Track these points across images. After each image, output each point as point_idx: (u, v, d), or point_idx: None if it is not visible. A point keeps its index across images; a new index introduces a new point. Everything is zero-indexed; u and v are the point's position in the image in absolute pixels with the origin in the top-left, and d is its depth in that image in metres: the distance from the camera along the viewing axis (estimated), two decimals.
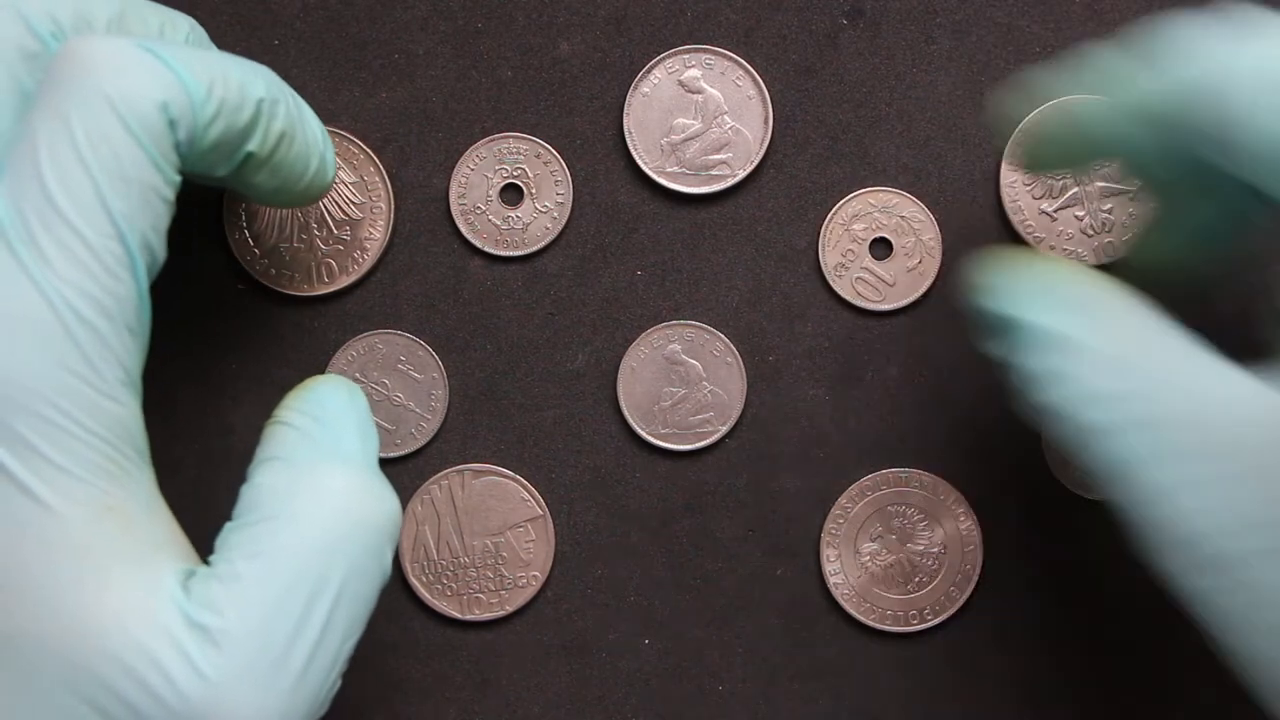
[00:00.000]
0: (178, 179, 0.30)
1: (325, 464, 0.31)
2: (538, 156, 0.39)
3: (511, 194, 0.39)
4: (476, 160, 0.39)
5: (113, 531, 0.28)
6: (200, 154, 0.30)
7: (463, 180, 0.39)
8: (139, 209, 0.29)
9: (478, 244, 0.39)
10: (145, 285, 0.29)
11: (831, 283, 0.38)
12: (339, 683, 0.30)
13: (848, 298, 0.38)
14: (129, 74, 0.29)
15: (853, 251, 0.39)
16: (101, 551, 0.28)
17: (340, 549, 0.30)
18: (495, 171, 0.39)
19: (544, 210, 0.39)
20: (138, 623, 0.28)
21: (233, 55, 0.32)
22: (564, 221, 0.39)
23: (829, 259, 0.38)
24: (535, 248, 0.39)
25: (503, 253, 0.39)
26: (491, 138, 0.39)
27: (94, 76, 0.28)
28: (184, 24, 0.34)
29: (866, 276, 0.39)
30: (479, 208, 0.39)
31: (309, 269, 0.38)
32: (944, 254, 0.39)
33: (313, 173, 0.33)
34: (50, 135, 0.28)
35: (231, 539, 0.30)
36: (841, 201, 0.39)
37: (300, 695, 0.29)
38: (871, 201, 0.39)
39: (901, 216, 0.39)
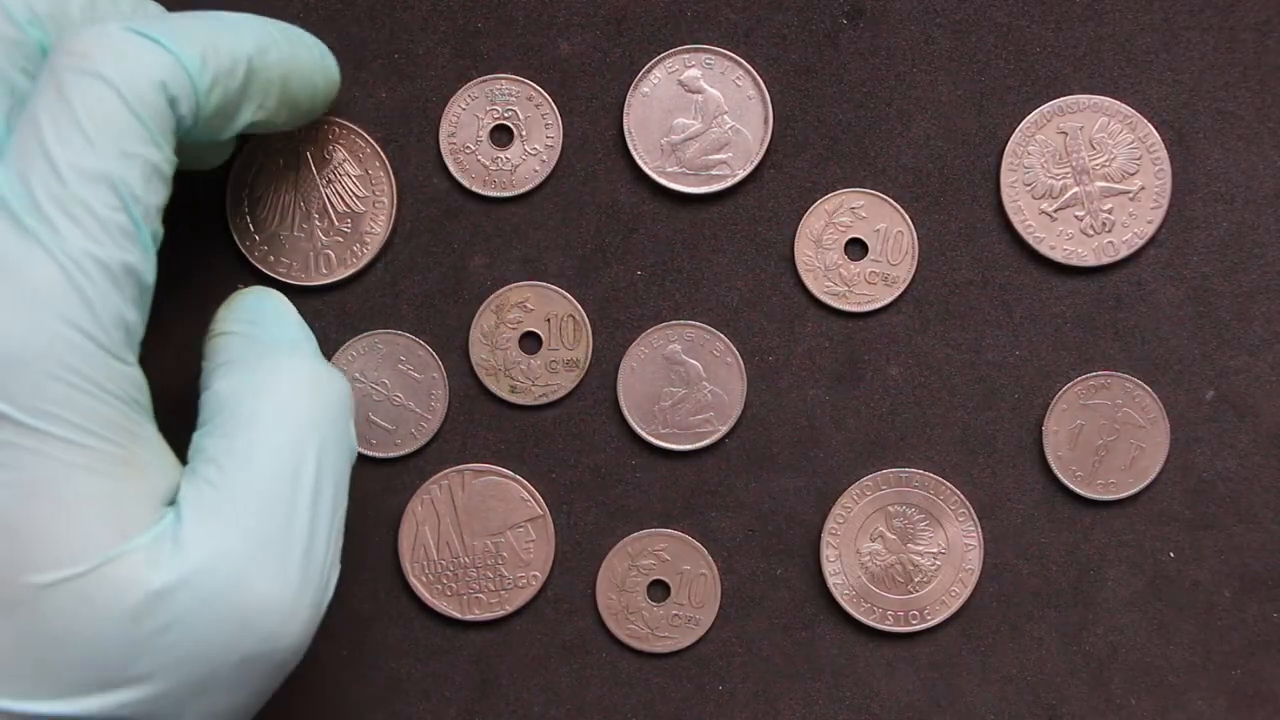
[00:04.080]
0: (175, 160, 0.30)
1: (277, 356, 0.33)
2: (529, 99, 0.39)
3: (501, 135, 0.39)
4: (468, 100, 0.39)
5: (129, 480, 0.29)
6: (206, 120, 0.31)
7: (453, 119, 0.39)
8: (141, 183, 0.29)
9: (466, 183, 0.38)
10: (151, 253, 0.30)
11: (810, 287, 0.39)
12: (338, 567, 0.32)
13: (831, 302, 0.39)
14: (125, 59, 0.29)
15: (830, 253, 0.39)
16: (117, 499, 0.29)
17: (312, 427, 0.31)
18: (486, 112, 0.39)
19: (533, 153, 0.39)
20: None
21: (213, 13, 0.32)
22: (553, 164, 0.39)
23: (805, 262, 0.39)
24: (523, 189, 0.39)
25: (491, 193, 0.39)
26: (484, 78, 0.39)
27: (92, 63, 0.29)
28: (155, 11, 0.34)
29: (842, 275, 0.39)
30: (468, 148, 0.39)
31: (307, 258, 0.38)
32: (925, 252, 0.39)
33: (323, 89, 0.36)
34: (53, 115, 0.29)
35: (205, 443, 0.31)
36: (818, 202, 0.39)
37: (310, 570, 0.30)
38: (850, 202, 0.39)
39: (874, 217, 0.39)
